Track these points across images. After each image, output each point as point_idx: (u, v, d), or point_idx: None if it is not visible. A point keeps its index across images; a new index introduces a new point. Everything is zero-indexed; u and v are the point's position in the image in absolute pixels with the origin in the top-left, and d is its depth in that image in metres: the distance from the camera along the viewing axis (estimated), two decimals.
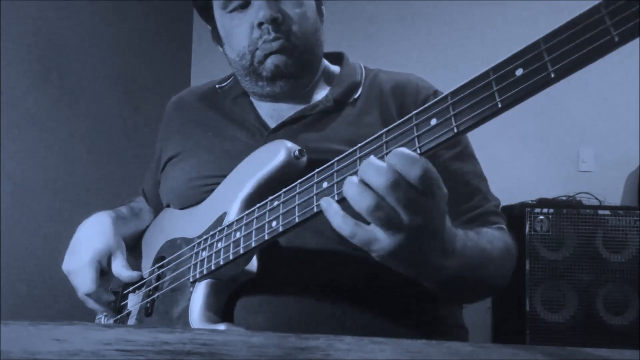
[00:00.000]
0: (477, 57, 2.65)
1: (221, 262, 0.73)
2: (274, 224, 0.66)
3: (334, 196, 0.60)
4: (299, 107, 0.90)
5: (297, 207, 0.64)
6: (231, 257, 0.72)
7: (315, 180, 0.63)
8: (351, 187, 0.55)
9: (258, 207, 0.70)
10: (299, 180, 0.65)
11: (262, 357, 0.44)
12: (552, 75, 0.46)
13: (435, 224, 0.58)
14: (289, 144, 0.77)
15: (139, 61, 2.65)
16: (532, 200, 2.34)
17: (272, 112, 0.93)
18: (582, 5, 0.45)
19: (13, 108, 1.87)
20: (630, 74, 2.55)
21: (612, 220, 2.21)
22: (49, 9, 2.06)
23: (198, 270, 0.76)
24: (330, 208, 0.58)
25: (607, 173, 2.72)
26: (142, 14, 2.69)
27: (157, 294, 0.84)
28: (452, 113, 0.53)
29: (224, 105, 0.97)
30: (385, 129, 0.58)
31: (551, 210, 2.24)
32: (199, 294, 0.75)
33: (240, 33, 0.87)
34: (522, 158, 2.80)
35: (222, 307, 0.76)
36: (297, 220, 0.63)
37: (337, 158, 0.62)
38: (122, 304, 0.91)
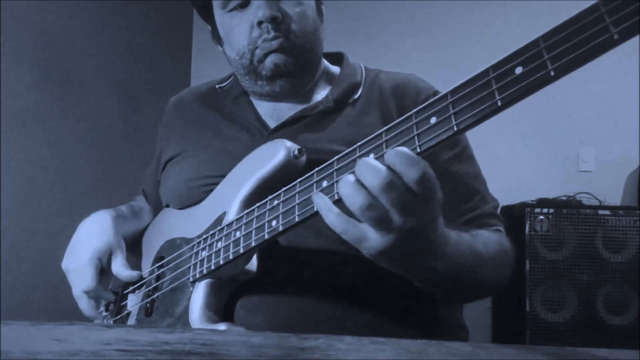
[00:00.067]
0: (477, 57, 2.63)
1: (221, 262, 0.73)
2: (273, 223, 0.66)
3: (333, 195, 0.60)
4: (299, 107, 0.90)
5: (297, 206, 0.64)
6: (231, 257, 0.71)
7: (315, 179, 0.63)
8: (346, 186, 0.55)
9: (258, 207, 0.70)
10: (299, 180, 0.65)
11: (262, 357, 0.44)
12: (552, 74, 0.46)
13: (427, 227, 0.58)
14: (288, 143, 0.76)
15: (139, 61, 2.65)
16: (532, 200, 2.34)
17: (272, 112, 0.93)
18: (582, 6, 0.45)
19: (13, 108, 1.87)
20: (630, 74, 2.55)
21: (612, 220, 2.22)
22: (49, 9, 2.06)
23: (198, 270, 0.76)
24: (324, 204, 0.58)
25: (607, 173, 2.72)
26: (142, 14, 2.69)
27: (157, 294, 0.83)
28: (451, 111, 0.53)
29: (223, 105, 0.97)
30: (384, 128, 0.58)
31: (551, 210, 2.23)
32: (199, 294, 0.75)
33: (240, 32, 0.87)
34: (522, 158, 2.80)
35: (222, 306, 0.76)
36: (297, 219, 0.63)
37: (336, 157, 0.62)
38: (121, 304, 0.91)
